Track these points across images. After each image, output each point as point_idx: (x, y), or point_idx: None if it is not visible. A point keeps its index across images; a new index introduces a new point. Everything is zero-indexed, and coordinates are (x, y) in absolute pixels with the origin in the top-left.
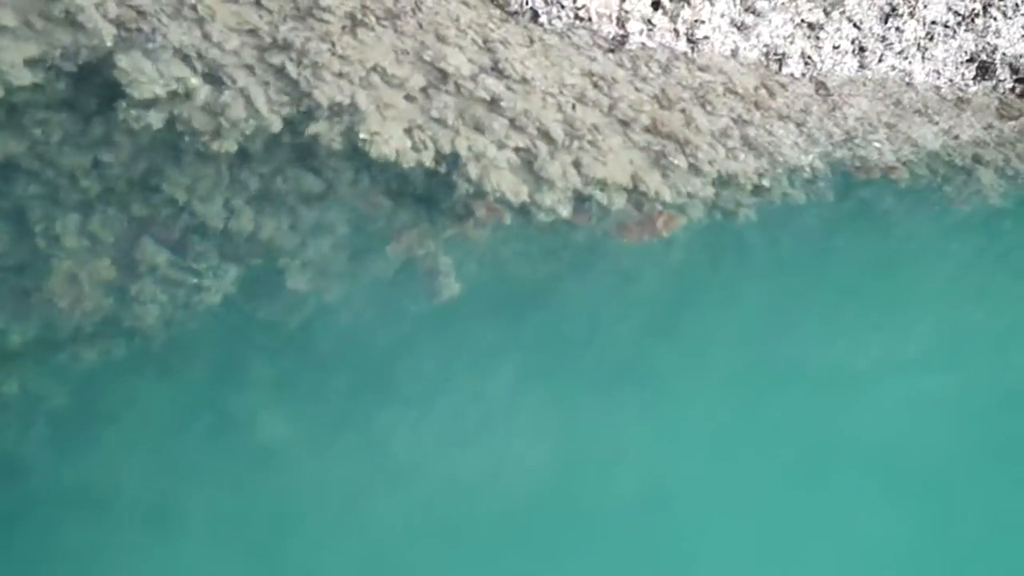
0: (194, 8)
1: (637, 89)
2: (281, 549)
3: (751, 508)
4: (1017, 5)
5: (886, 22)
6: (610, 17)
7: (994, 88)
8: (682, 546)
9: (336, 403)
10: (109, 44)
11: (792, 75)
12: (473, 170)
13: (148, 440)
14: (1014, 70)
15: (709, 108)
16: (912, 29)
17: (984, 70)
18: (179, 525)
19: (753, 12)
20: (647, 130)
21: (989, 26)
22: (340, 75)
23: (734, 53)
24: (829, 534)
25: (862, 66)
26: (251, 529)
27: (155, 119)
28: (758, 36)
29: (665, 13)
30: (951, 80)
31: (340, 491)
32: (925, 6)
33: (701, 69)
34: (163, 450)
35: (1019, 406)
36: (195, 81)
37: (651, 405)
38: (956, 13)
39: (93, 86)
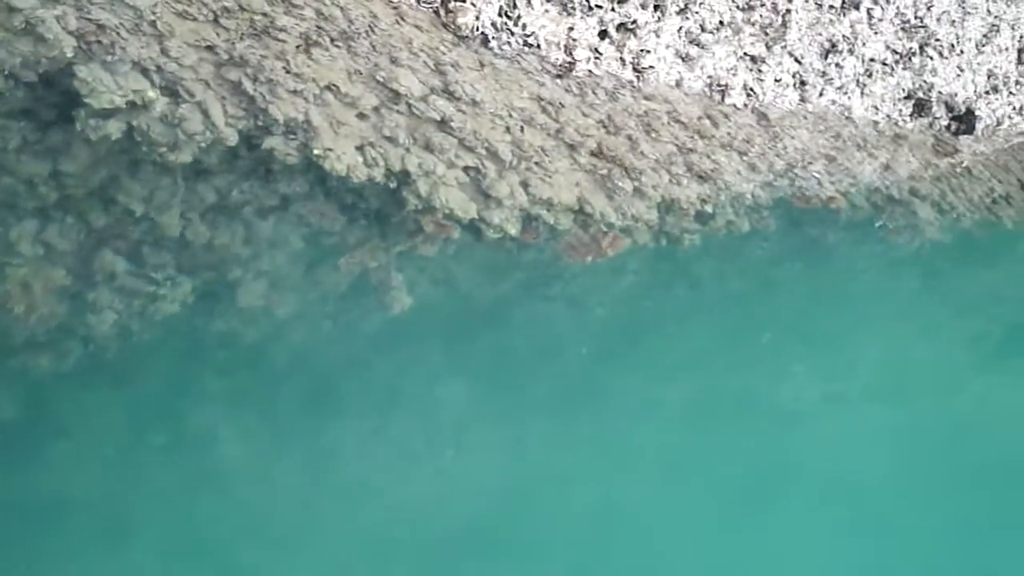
0: (153, 24)
1: (584, 114)
2: (232, 563)
3: (688, 527)
4: (952, 46)
5: (826, 58)
6: (558, 44)
7: (930, 125)
8: (618, 566)
9: (288, 416)
10: (69, 55)
11: (735, 106)
12: (423, 187)
13: (99, 450)
14: (949, 108)
15: (654, 135)
16: (852, 65)
17: (921, 107)
18: (129, 538)
19: (697, 44)
20: (593, 154)
21: (926, 65)
22: (295, 92)
23: (679, 83)
24: (769, 561)
25: (803, 99)
26: (201, 543)
27: (113, 129)
28: (702, 67)
29: (612, 42)
30: (889, 116)
31: (291, 505)
32: (864, 44)
33: (646, 98)
34: (114, 461)
35: (954, 431)
36: (152, 93)
37: (593, 424)
38: (894, 51)
39: (52, 96)
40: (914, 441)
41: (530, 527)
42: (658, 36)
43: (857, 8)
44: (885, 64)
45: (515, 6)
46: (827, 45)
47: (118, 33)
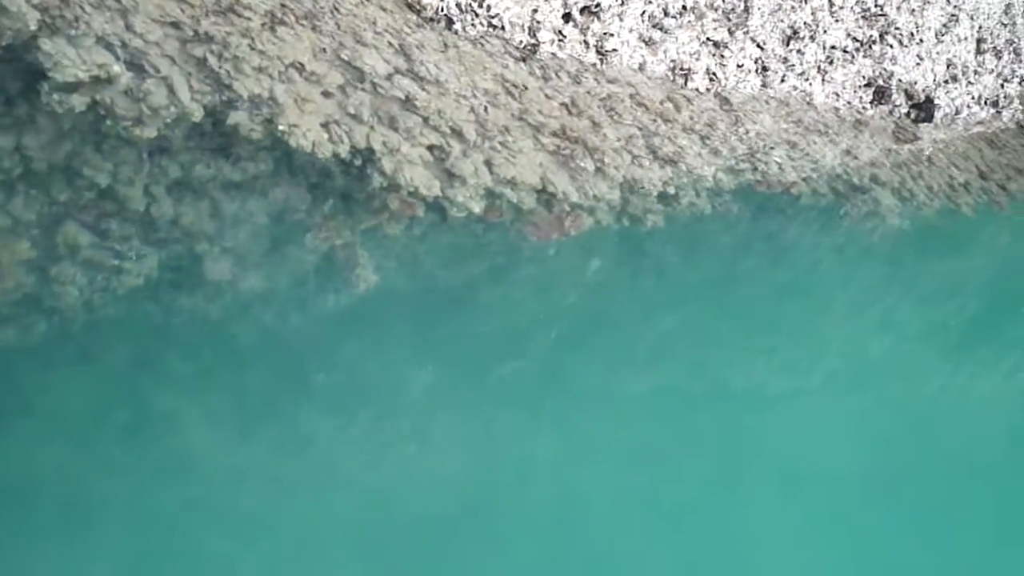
0: None
1: (548, 96)
2: (195, 543)
3: (650, 513)
4: (912, 34)
5: (788, 44)
6: (522, 27)
7: (890, 112)
8: (575, 552)
9: (252, 393)
10: (33, 28)
11: (697, 90)
12: (388, 164)
13: (63, 426)
14: (909, 96)
15: (616, 118)
16: (813, 52)
17: (881, 94)
18: (91, 517)
19: (660, 28)
20: (556, 135)
21: (886, 53)
22: (260, 69)
23: (642, 67)
24: (734, 550)
25: (765, 85)
26: (165, 523)
27: (78, 103)
28: (665, 52)
29: (576, 25)
30: (850, 103)
31: (255, 484)
32: (825, 31)
33: (610, 81)
34: (78, 437)
35: (916, 420)
36: (117, 68)
37: (555, 405)
38: (855, 39)
39: (16, 69)
40: (877, 430)
41: (494, 511)
42: (621, 20)
43: None
44: (846, 51)
45: None
46: (789, 32)
47: (82, 7)
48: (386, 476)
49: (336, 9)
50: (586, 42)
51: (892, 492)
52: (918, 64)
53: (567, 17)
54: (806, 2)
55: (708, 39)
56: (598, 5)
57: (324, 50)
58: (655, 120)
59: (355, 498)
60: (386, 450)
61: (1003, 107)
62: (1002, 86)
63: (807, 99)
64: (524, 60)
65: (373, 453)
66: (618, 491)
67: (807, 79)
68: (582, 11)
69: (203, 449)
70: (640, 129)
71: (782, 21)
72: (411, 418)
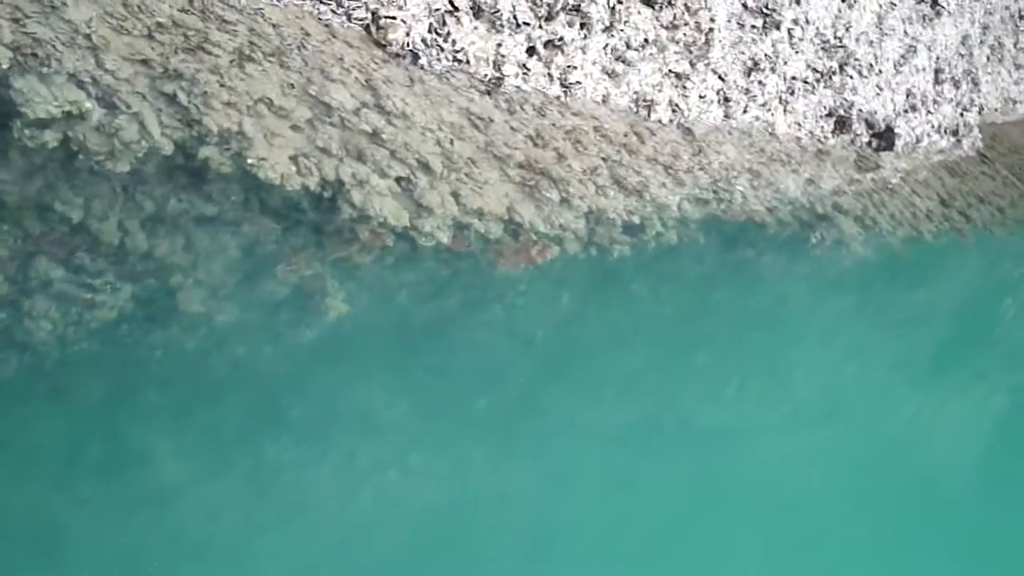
0: (88, 38)
1: (513, 129)
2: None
3: (619, 542)
4: (871, 65)
5: (749, 75)
6: (487, 61)
7: (852, 142)
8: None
9: (226, 425)
10: (5, 66)
11: (660, 121)
12: (357, 196)
13: (38, 462)
14: (869, 125)
15: (581, 149)
16: (774, 83)
17: (842, 124)
18: (65, 552)
19: (623, 61)
20: (521, 166)
21: (846, 83)
22: (229, 104)
23: (605, 99)
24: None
25: (727, 116)
26: (139, 557)
27: (50, 138)
28: (628, 84)
29: (540, 59)
30: (811, 132)
31: (229, 517)
32: (786, 62)
33: (574, 113)
34: (52, 472)
35: (885, 446)
36: (89, 104)
37: (521, 431)
38: (815, 70)
39: None
40: (849, 458)
41: (466, 543)
42: (584, 53)
43: (778, 28)
44: (807, 82)
45: (444, 23)
46: (750, 63)
47: (54, 46)
48: (361, 507)
49: (303, 46)
50: (550, 75)
51: (866, 518)
52: (878, 94)
53: (531, 51)
54: (766, 34)
55: (670, 71)
56: (561, 39)
57: (292, 85)
58: (619, 151)
59: (330, 530)
60: (360, 480)
61: (963, 136)
62: (961, 115)
63: (769, 129)
64: (489, 93)
65: (347, 484)
66: (592, 523)
67: (769, 110)
68: (546, 45)
69: (178, 484)
70: (604, 160)
71: (743, 53)
72: (384, 448)
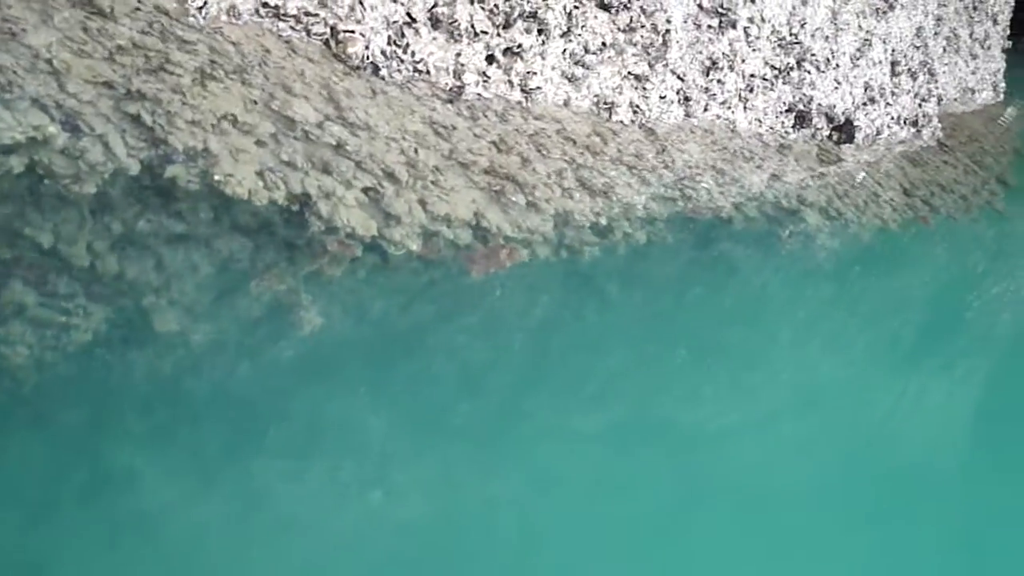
0: (50, 63)
1: (476, 135)
2: None
3: (609, 551)
4: (828, 60)
5: (708, 75)
6: (447, 70)
7: (812, 136)
8: None
9: (208, 443)
10: None
11: (622, 122)
12: (324, 208)
13: (17, 488)
14: (830, 119)
15: (545, 152)
16: (733, 81)
17: (802, 119)
18: None
19: (582, 65)
20: (487, 172)
21: (804, 79)
22: (193, 123)
23: (566, 103)
24: None
25: (688, 114)
26: None
27: (15, 164)
28: (588, 87)
29: (499, 66)
30: (772, 128)
31: (214, 542)
32: (743, 60)
33: (536, 118)
34: (33, 500)
35: (869, 440)
36: (53, 128)
37: (502, 438)
38: (773, 67)
39: None
40: (833, 451)
41: (453, 556)
42: (543, 58)
43: (734, 27)
44: (765, 79)
45: (403, 35)
46: (708, 63)
47: (15, 72)
48: (349, 521)
49: (264, 62)
50: (510, 81)
51: (851, 511)
52: (836, 88)
53: (490, 59)
54: (723, 34)
55: (630, 73)
56: (520, 46)
57: (255, 102)
58: (583, 153)
59: (320, 547)
60: (347, 495)
61: (922, 126)
62: (920, 106)
63: (731, 126)
64: (451, 102)
65: (334, 499)
66: (581, 528)
67: (729, 107)
68: (504, 52)
69: (163, 507)
70: (569, 163)
71: (700, 53)
72: (370, 460)
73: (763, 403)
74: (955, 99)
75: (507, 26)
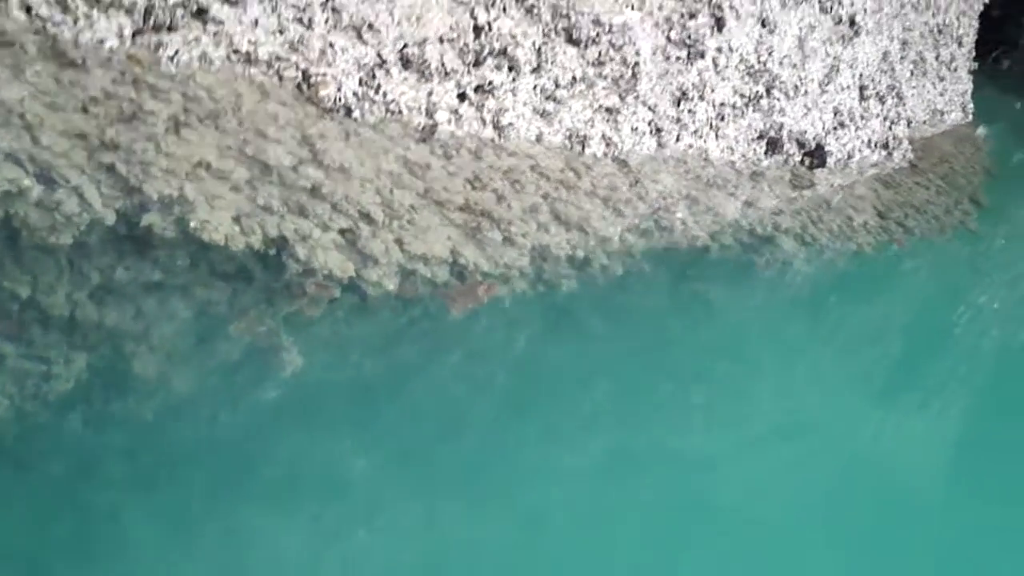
0: (22, 116)
1: (450, 173)
2: None
3: None
4: (796, 86)
5: (679, 105)
6: (419, 109)
7: (785, 162)
8: None
9: (195, 489)
10: None
11: (595, 155)
12: (301, 251)
13: (4, 536)
14: (800, 144)
15: (519, 188)
16: (703, 111)
17: (773, 145)
18: None
19: (553, 100)
20: (462, 209)
21: (774, 106)
22: (168, 171)
23: (539, 138)
24: None
25: (660, 145)
26: None
27: None
28: (560, 121)
29: (471, 104)
30: (744, 155)
31: None
32: (713, 90)
33: (509, 154)
34: (17, 552)
35: (851, 467)
36: (28, 182)
37: (486, 474)
38: (742, 95)
39: None
40: (819, 477)
41: None
42: (515, 95)
43: (703, 57)
44: (735, 107)
45: (374, 76)
46: (678, 93)
47: None
48: (331, 568)
49: (238, 108)
50: (483, 119)
51: (839, 536)
52: (806, 114)
53: (462, 97)
54: (691, 64)
55: (601, 106)
56: (491, 83)
57: (229, 147)
58: (557, 188)
59: None
60: (333, 538)
61: (893, 148)
62: (890, 128)
63: (703, 155)
64: (424, 141)
65: (320, 543)
66: (565, 567)
67: (701, 136)
68: (476, 90)
69: (145, 554)
70: (544, 198)
71: (670, 84)
72: (356, 503)
73: (745, 434)
74: (924, 121)
75: (477, 64)
